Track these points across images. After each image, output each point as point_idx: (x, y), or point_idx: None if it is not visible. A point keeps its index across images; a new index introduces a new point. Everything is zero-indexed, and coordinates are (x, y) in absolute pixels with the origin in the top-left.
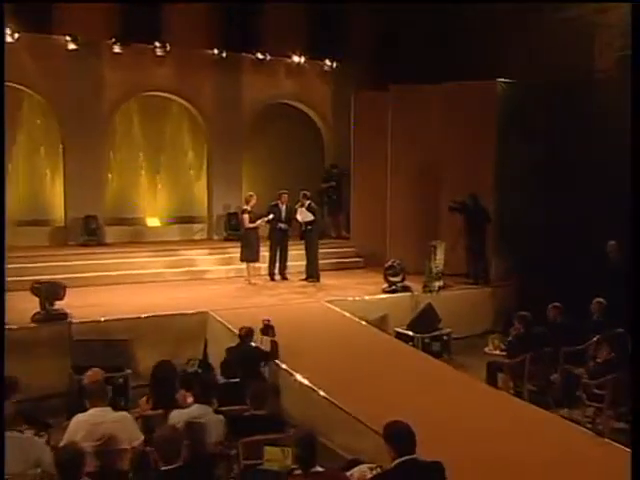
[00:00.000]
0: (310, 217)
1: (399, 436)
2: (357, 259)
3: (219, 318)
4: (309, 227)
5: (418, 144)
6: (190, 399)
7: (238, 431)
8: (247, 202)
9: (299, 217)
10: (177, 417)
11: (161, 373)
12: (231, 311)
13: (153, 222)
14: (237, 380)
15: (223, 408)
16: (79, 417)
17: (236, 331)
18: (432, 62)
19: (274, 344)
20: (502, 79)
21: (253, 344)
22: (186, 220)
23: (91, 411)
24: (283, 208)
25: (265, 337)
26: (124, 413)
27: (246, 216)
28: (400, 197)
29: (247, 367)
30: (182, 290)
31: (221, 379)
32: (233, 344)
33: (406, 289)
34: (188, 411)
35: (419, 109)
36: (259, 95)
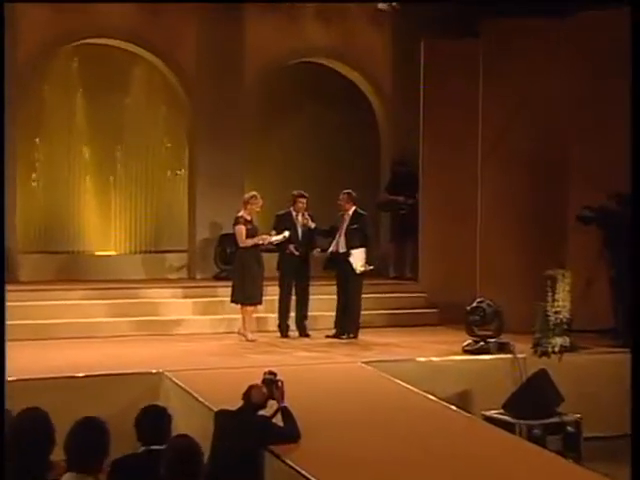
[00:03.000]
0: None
1: None
2: (428, 310)
3: (179, 382)
4: (346, 253)
5: (527, 120)
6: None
7: None
8: (245, 206)
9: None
10: None
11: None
12: (202, 373)
13: (103, 251)
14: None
15: None
16: None
17: (206, 403)
18: None
19: (286, 415)
20: None
21: (262, 413)
22: (155, 249)
23: None
24: (299, 221)
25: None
26: None
27: (242, 228)
28: (498, 207)
29: (241, 449)
30: (133, 346)
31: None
32: (231, 407)
33: (503, 348)
34: None
35: (528, 61)
36: (272, 51)
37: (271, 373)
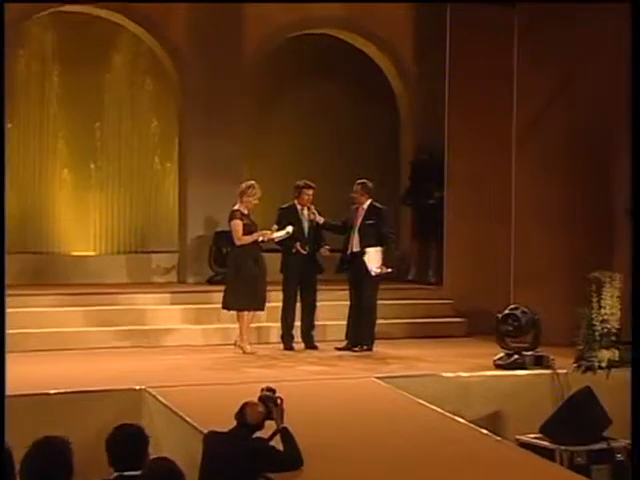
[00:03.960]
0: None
1: None
2: (454, 319)
3: (164, 400)
4: (361, 252)
5: (571, 100)
6: None
7: None
8: (241, 198)
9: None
10: None
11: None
12: (190, 389)
13: (81, 251)
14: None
15: None
16: None
17: (195, 423)
18: None
19: (286, 437)
20: None
21: (258, 435)
22: (140, 249)
23: None
24: (305, 215)
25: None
26: None
27: (238, 223)
28: (535, 200)
29: (233, 476)
30: (113, 360)
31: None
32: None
33: (541, 362)
34: None
35: (575, 33)
36: (275, 21)
37: (269, 389)
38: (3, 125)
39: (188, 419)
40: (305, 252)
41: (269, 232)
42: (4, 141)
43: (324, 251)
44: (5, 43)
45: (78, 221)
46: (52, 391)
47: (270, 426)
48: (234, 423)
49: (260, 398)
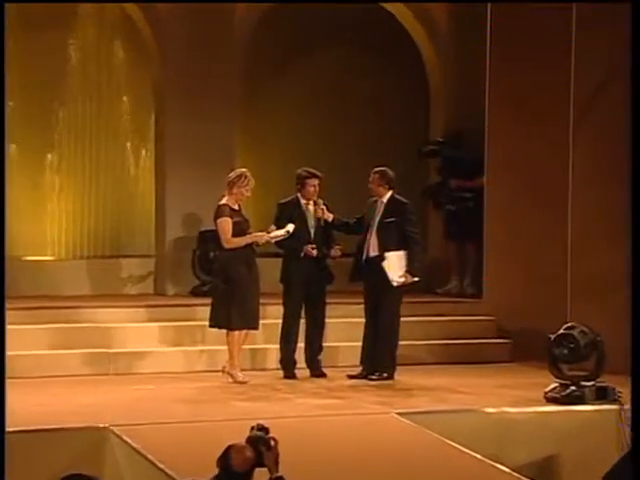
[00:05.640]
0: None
1: None
2: (496, 340)
3: (131, 441)
4: (379, 257)
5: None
6: None
7: None
8: (230, 190)
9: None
10: None
11: None
12: (164, 428)
13: (36, 255)
14: None
15: None
16: None
17: (168, 470)
18: None
19: None
20: None
21: None
22: (108, 253)
23: None
24: (310, 211)
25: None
26: None
27: (226, 221)
28: (598, 196)
29: None
30: (72, 391)
31: None
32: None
33: (604, 395)
34: None
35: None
36: None
37: (261, 428)
38: (3, 124)
39: (161, 465)
40: (317, 255)
41: (265, 234)
42: (4, 140)
43: (335, 251)
44: None
45: (32, 219)
46: None
47: (261, 474)
48: (216, 471)
49: (249, 439)
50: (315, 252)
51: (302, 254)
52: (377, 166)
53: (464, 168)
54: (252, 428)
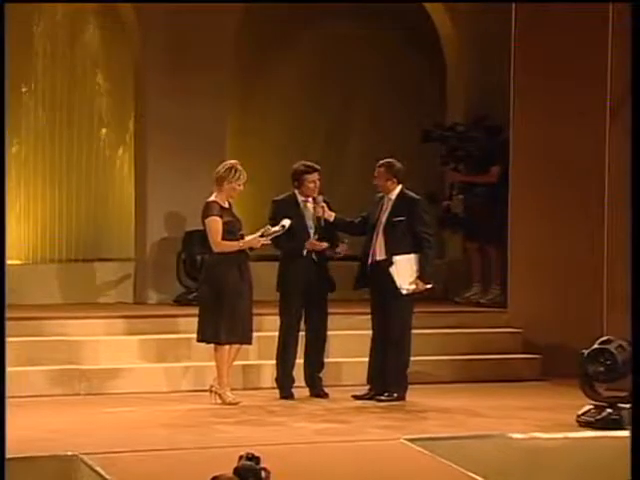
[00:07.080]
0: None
1: None
2: (523, 355)
3: (103, 472)
4: (387, 261)
5: None
6: None
7: None
8: (219, 186)
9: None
10: None
11: None
12: (141, 457)
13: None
14: None
15: None
16: None
17: None
18: None
19: None
20: None
21: None
22: (81, 256)
23: None
24: (309, 210)
25: None
26: None
27: (215, 221)
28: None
29: None
30: (39, 414)
31: None
32: None
33: None
34: None
35: None
36: None
37: (251, 457)
38: (3, 124)
39: None
40: (322, 247)
41: (260, 238)
42: (4, 140)
43: (342, 248)
44: None
45: None
46: None
47: None
48: None
49: (236, 470)
50: (324, 244)
51: (304, 252)
52: (384, 157)
53: (473, 160)
54: (241, 457)
